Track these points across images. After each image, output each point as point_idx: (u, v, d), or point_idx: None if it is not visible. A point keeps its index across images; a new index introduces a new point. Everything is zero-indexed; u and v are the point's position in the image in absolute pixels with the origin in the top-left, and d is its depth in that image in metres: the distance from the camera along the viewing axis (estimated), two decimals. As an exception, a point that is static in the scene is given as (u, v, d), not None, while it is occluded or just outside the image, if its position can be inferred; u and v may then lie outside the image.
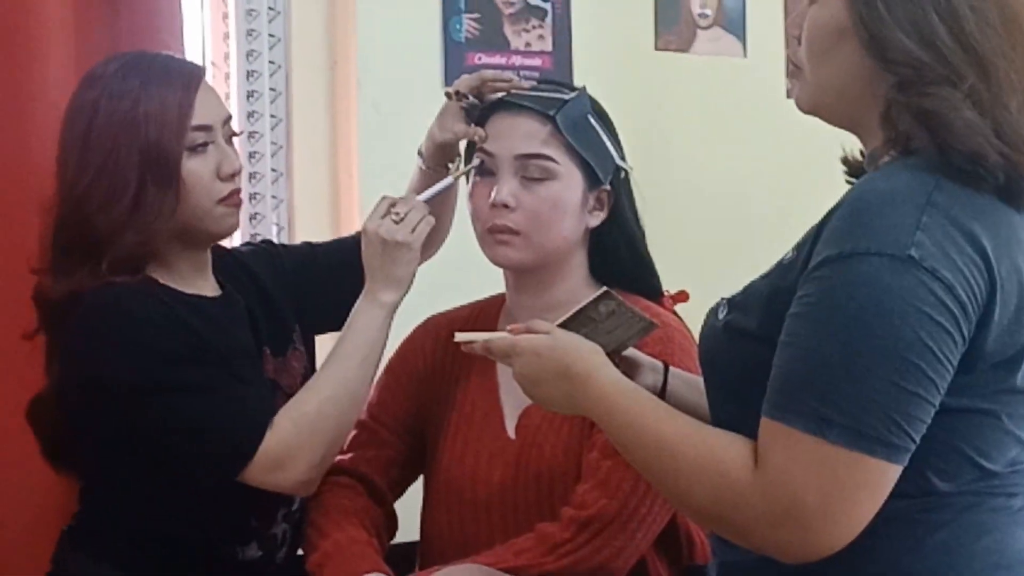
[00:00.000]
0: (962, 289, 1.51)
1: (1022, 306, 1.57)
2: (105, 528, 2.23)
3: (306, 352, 2.42)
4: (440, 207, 2.39)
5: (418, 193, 2.34)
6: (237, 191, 2.23)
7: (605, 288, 1.88)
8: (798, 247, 1.63)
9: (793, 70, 1.73)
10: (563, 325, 1.84)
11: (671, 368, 2.03)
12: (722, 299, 1.73)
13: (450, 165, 2.42)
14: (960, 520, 1.61)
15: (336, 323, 2.37)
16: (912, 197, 1.53)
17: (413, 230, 2.23)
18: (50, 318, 2.19)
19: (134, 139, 2.13)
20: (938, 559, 1.60)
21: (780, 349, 1.56)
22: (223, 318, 2.24)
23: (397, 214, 2.23)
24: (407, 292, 2.25)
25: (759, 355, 1.58)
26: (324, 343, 2.46)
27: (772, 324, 1.58)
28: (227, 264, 2.35)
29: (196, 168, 2.17)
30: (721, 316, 1.71)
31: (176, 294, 2.20)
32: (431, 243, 2.41)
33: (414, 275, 2.26)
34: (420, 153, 2.44)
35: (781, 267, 1.65)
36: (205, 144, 2.18)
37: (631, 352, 1.98)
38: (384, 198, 2.26)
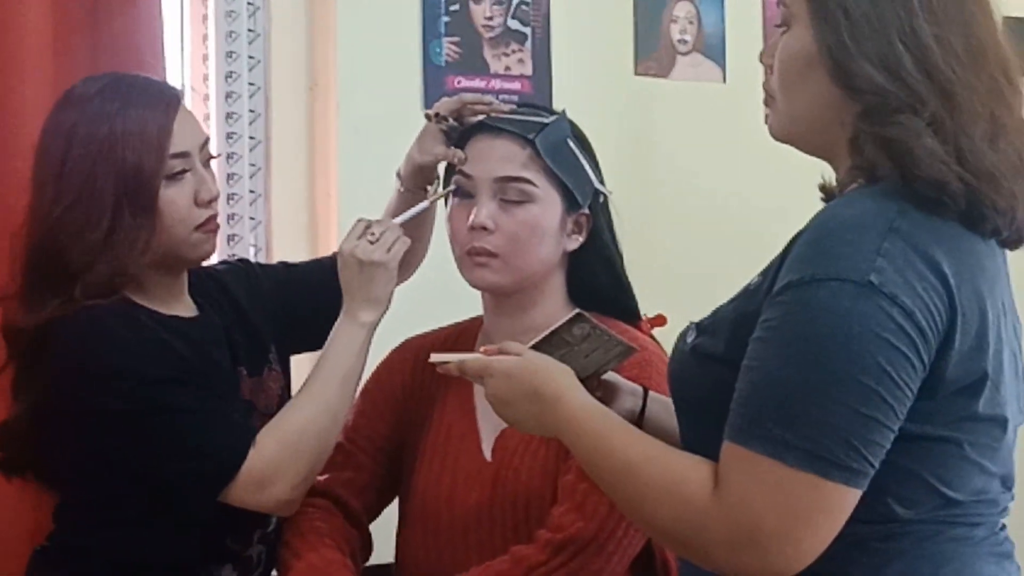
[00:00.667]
0: (922, 315, 1.52)
1: (983, 333, 1.58)
2: (80, 549, 2.21)
3: (282, 372, 2.42)
4: (417, 230, 2.39)
5: (395, 216, 2.35)
6: (214, 216, 2.22)
7: (578, 311, 1.89)
8: (764, 272, 1.64)
9: (767, 99, 1.75)
10: (536, 347, 1.85)
11: (650, 392, 2.03)
12: (691, 323, 1.74)
13: (428, 188, 2.42)
14: (920, 549, 1.61)
15: (312, 344, 2.37)
16: (874, 224, 1.55)
17: (389, 250, 2.23)
18: (21, 348, 2.16)
19: (111, 167, 2.11)
20: None
21: (742, 373, 1.57)
22: (200, 339, 2.23)
23: (372, 234, 2.23)
24: (385, 312, 2.26)
25: (725, 379, 1.59)
26: (300, 363, 2.47)
27: (738, 348, 1.59)
28: (203, 283, 2.34)
29: (173, 196, 2.15)
30: (689, 340, 1.72)
31: (153, 314, 2.19)
32: (408, 265, 2.41)
33: (392, 295, 2.26)
34: (398, 175, 2.44)
35: (747, 292, 1.66)
36: (183, 172, 2.16)
37: (610, 376, 1.98)
38: (359, 220, 2.26)
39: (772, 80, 1.72)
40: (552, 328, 1.86)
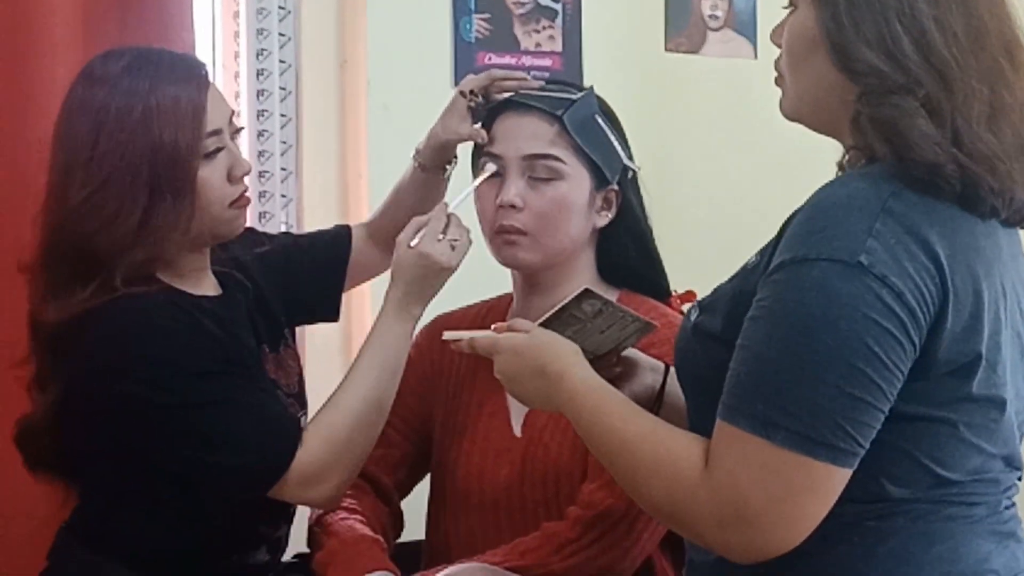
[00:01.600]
0: (912, 296, 1.52)
1: (978, 314, 1.58)
2: (110, 528, 2.17)
3: (295, 348, 2.40)
4: (426, 205, 2.37)
5: (404, 192, 2.39)
6: (246, 191, 2.20)
7: (585, 287, 1.89)
8: (761, 251, 1.65)
9: (777, 78, 1.76)
10: (545, 324, 1.86)
11: (671, 369, 2.02)
12: (695, 301, 1.75)
13: (448, 166, 2.42)
14: (913, 527, 1.61)
15: (313, 317, 2.38)
16: (867, 204, 1.55)
17: (462, 256, 2.23)
18: (49, 340, 2.11)
19: (146, 148, 2.05)
20: (889, 566, 1.60)
21: (736, 352, 1.58)
22: (229, 319, 2.20)
23: (455, 240, 2.22)
24: None
25: (723, 358, 1.60)
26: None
27: (734, 327, 1.60)
28: (220, 260, 2.30)
29: (209, 176, 2.11)
30: (692, 318, 1.73)
31: (187, 297, 2.15)
32: None
33: None
34: (417, 152, 2.43)
35: (745, 271, 1.67)
36: (218, 150, 2.13)
37: (630, 352, 1.99)
38: (431, 218, 2.23)
39: (781, 60, 1.74)
40: (559, 305, 1.87)
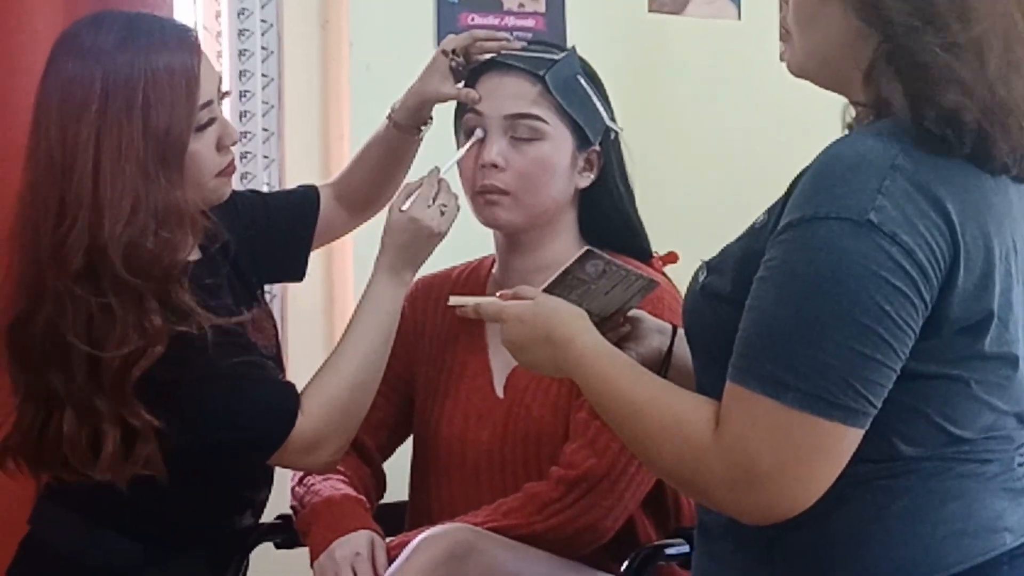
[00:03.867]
0: (922, 253, 1.51)
1: (988, 271, 1.57)
2: (98, 495, 2.11)
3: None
4: (396, 166, 2.38)
5: (373, 153, 2.39)
6: (233, 159, 2.18)
7: (587, 247, 1.88)
8: (769, 211, 1.63)
9: (783, 34, 1.74)
10: (549, 289, 1.85)
11: (678, 330, 2.01)
12: (702, 262, 1.74)
13: (422, 127, 2.39)
14: (925, 486, 1.60)
15: (282, 275, 2.38)
16: (876, 161, 1.53)
17: (451, 222, 2.23)
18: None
19: (144, 127, 2.01)
20: (901, 525, 1.60)
21: (745, 312, 1.57)
22: (214, 284, 2.17)
23: (444, 206, 2.22)
24: None
25: (732, 318, 1.59)
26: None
27: (743, 287, 1.58)
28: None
29: (200, 148, 2.09)
30: (700, 279, 1.71)
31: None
32: (385, 198, 2.40)
33: None
34: (392, 110, 2.40)
35: (753, 231, 1.65)
36: (210, 121, 2.10)
37: (636, 313, 1.97)
38: (423, 183, 2.23)
39: (788, 15, 1.71)
40: (563, 268, 1.86)
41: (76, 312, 2.00)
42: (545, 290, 1.84)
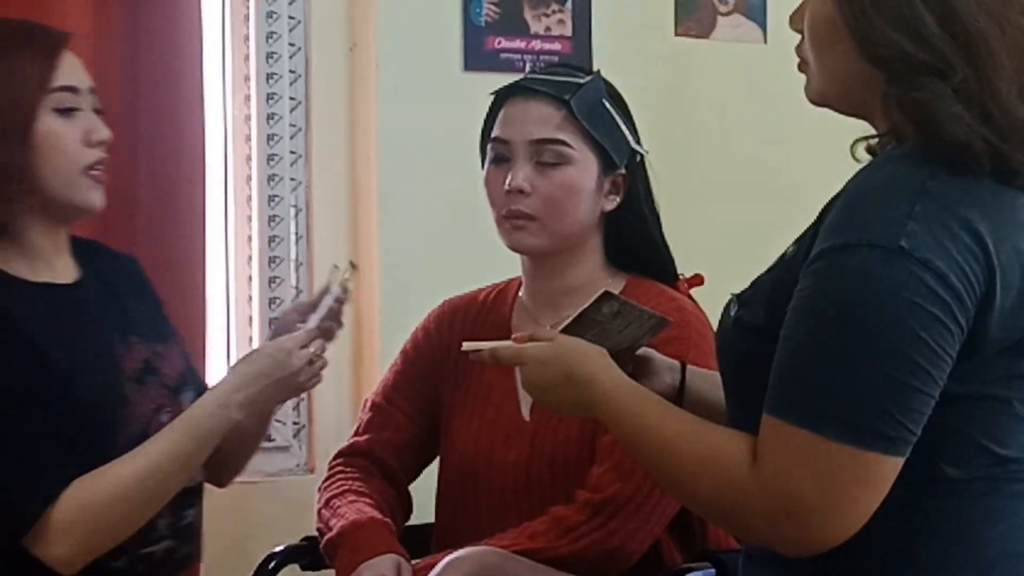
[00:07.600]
0: (956, 278, 1.50)
1: None
2: None
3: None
4: (240, 446, 2.29)
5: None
6: (104, 161, 2.13)
7: (604, 289, 1.87)
8: (799, 240, 1.62)
9: (801, 63, 1.73)
10: (567, 330, 1.84)
11: (688, 366, 2.01)
12: (732, 295, 1.73)
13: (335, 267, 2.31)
14: (975, 507, 1.59)
15: None
16: (905, 187, 1.53)
17: (312, 378, 2.15)
18: None
19: None
20: (951, 547, 1.58)
21: (779, 344, 1.56)
22: (73, 309, 2.12)
23: (317, 357, 2.15)
24: None
25: (766, 351, 1.58)
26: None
27: (776, 319, 1.57)
28: (95, 251, 2.25)
29: (60, 130, 2.08)
30: (732, 312, 1.70)
31: (20, 285, 2.08)
32: (241, 464, 2.35)
33: None
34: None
35: (784, 261, 1.64)
36: (73, 109, 2.10)
37: (645, 352, 1.96)
38: (309, 330, 2.16)
39: (804, 45, 1.71)
40: (580, 310, 1.85)
41: None
42: (562, 331, 1.83)
